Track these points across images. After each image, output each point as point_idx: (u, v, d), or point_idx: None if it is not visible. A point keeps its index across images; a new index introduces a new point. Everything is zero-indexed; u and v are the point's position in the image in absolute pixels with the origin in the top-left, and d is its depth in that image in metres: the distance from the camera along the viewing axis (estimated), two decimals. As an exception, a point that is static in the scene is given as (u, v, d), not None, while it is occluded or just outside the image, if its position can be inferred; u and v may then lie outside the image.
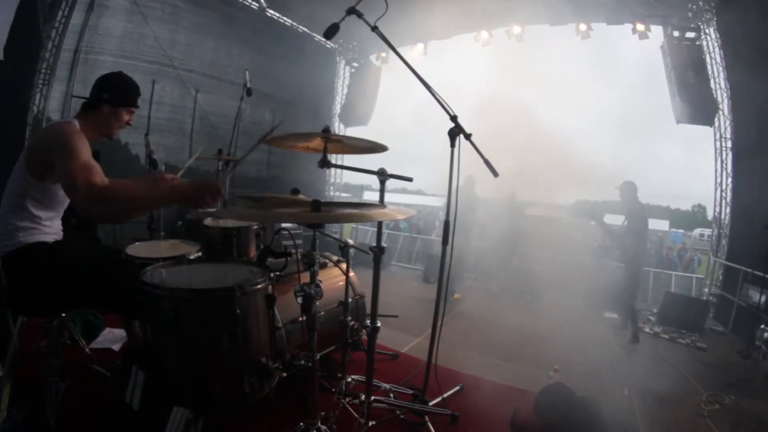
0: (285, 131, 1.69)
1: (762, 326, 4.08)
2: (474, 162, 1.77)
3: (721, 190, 6.17)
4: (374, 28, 1.68)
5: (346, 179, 10.73)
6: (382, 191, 1.77)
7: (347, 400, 1.99)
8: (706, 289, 6.45)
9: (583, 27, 6.65)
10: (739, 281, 5.22)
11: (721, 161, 6.12)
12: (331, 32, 1.66)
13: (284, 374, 1.70)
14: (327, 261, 2.37)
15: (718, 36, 5.82)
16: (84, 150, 1.47)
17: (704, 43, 5.97)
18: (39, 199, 1.57)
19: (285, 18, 8.39)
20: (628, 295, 4.33)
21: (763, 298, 4.43)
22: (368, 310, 2.02)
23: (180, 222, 3.92)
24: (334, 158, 1.71)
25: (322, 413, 1.72)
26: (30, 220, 1.57)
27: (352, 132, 9.29)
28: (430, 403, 2.05)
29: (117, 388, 1.74)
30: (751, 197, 5.48)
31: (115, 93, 1.71)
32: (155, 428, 1.49)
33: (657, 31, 6.34)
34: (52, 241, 1.64)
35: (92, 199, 1.33)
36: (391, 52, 1.74)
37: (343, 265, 2.04)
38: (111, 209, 1.36)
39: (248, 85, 3.08)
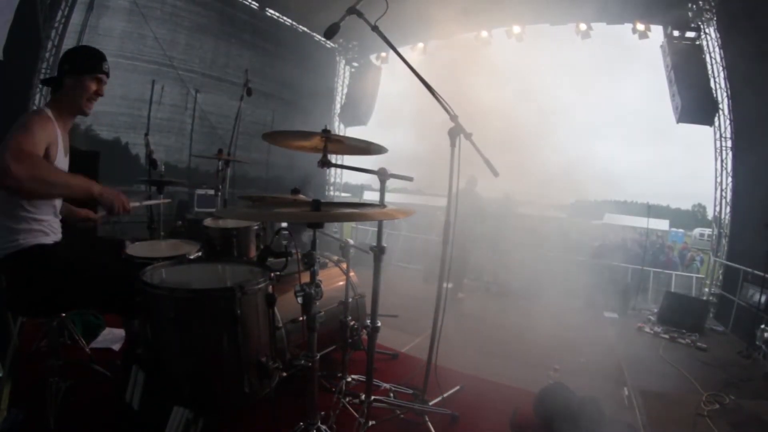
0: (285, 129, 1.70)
1: (762, 326, 4.08)
2: (473, 160, 1.77)
3: (721, 190, 6.18)
4: (374, 28, 1.68)
5: (346, 179, 10.73)
6: (382, 191, 1.76)
7: (347, 399, 1.98)
8: (707, 289, 6.45)
9: (583, 27, 6.65)
10: (739, 281, 5.22)
11: (721, 161, 6.13)
12: (331, 32, 1.66)
13: (284, 374, 1.70)
14: (327, 261, 2.37)
15: (718, 36, 5.82)
16: (37, 129, 1.46)
17: (704, 43, 5.98)
18: None
19: (285, 18, 8.40)
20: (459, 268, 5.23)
21: (763, 298, 4.43)
22: (368, 309, 2.02)
23: (180, 222, 3.92)
24: (334, 158, 1.70)
25: (322, 413, 1.72)
26: (26, 220, 1.56)
27: (352, 132, 9.30)
28: (430, 403, 2.05)
29: (117, 388, 1.73)
30: (751, 197, 5.48)
31: (74, 62, 1.66)
32: (155, 428, 1.49)
33: (657, 31, 6.35)
34: (51, 242, 1.63)
35: (15, 157, 1.30)
36: (391, 52, 1.74)
37: (344, 265, 2.04)
38: (27, 172, 1.31)
39: (248, 84, 3.08)
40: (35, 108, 1.61)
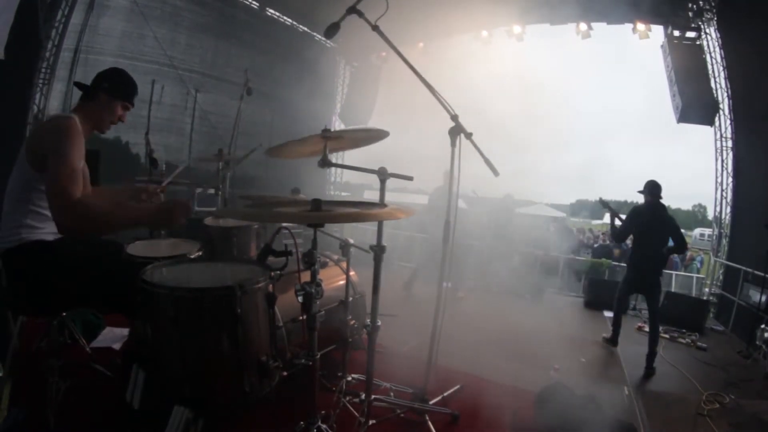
0: (284, 131, 1.69)
1: (762, 326, 4.08)
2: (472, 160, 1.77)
3: (722, 190, 6.18)
4: (375, 28, 1.68)
5: (346, 178, 10.72)
6: (382, 190, 1.76)
7: (347, 398, 1.98)
8: (707, 289, 6.45)
9: (583, 27, 6.65)
10: (739, 281, 5.22)
11: (722, 161, 6.13)
12: (331, 32, 1.66)
13: (284, 373, 1.70)
14: (327, 260, 2.37)
15: (718, 36, 5.82)
16: (76, 154, 1.49)
17: (705, 43, 5.97)
18: (43, 190, 1.55)
19: (285, 17, 8.39)
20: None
21: (764, 298, 4.43)
22: (368, 309, 2.02)
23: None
24: (334, 157, 1.70)
25: (323, 412, 1.72)
26: (34, 215, 1.57)
27: (352, 132, 9.28)
28: (430, 402, 2.05)
29: (117, 388, 1.73)
30: (751, 197, 5.49)
31: (115, 83, 1.75)
32: (155, 428, 1.49)
33: (657, 31, 6.35)
34: (52, 239, 1.64)
35: (67, 211, 1.39)
36: (392, 52, 1.74)
37: (344, 264, 2.04)
38: (82, 224, 1.42)
39: (248, 84, 3.08)
40: (67, 115, 1.64)
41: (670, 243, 3.77)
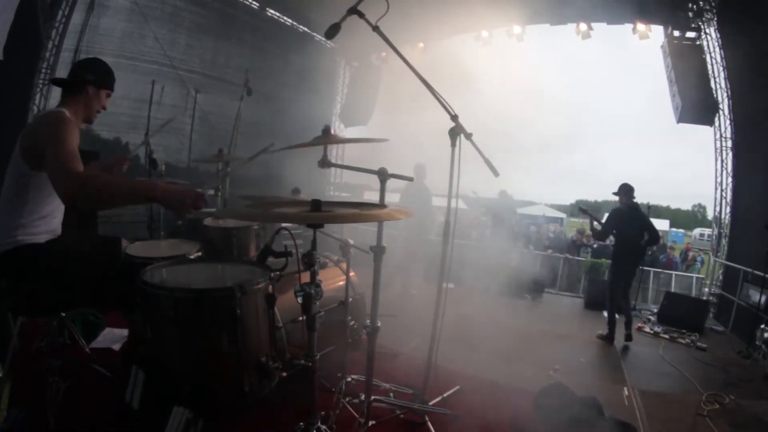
0: (284, 132, 1.70)
1: (762, 326, 4.07)
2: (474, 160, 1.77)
3: (722, 190, 6.18)
4: (375, 28, 1.67)
5: (346, 179, 10.71)
6: (382, 191, 1.76)
7: (347, 399, 1.98)
8: (707, 289, 6.45)
9: (583, 27, 6.65)
10: (739, 281, 5.22)
11: (722, 161, 6.13)
12: (332, 32, 1.66)
13: (284, 374, 1.70)
14: (327, 261, 2.37)
15: (718, 36, 5.83)
16: (72, 139, 1.49)
17: (704, 43, 5.98)
18: (41, 188, 1.55)
19: (285, 18, 8.39)
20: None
21: (763, 298, 4.43)
22: (368, 309, 2.01)
23: (180, 222, 3.92)
24: (334, 158, 1.71)
25: (322, 413, 1.72)
26: (30, 214, 1.57)
27: (352, 131, 9.30)
28: (430, 403, 2.05)
29: (117, 388, 1.73)
30: (751, 197, 5.49)
31: (99, 74, 1.76)
32: (155, 428, 1.49)
33: (657, 31, 6.35)
34: (44, 241, 1.63)
35: (74, 183, 1.32)
36: (392, 52, 1.73)
37: (343, 265, 2.04)
38: (90, 193, 1.34)
39: (248, 84, 3.08)
40: (56, 109, 1.64)
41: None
